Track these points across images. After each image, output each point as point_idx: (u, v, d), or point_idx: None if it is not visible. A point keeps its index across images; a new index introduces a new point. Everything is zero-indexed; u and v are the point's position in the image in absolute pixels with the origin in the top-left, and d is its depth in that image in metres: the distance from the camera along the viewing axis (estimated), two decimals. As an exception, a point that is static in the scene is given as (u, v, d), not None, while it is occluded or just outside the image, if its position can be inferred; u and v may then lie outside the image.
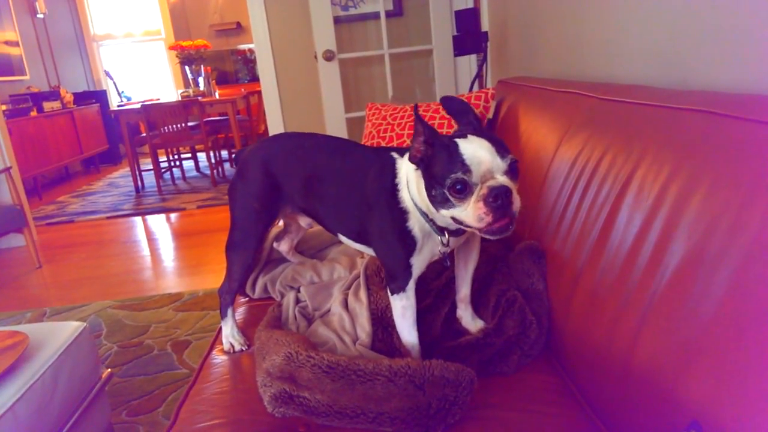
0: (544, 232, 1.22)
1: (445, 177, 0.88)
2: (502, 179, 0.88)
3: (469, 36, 2.82)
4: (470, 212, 0.88)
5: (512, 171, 0.89)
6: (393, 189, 1.04)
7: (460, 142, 0.90)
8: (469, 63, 3.60)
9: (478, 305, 1.21)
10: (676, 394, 0.71)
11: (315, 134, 1.28)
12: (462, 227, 0.94)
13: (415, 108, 0.94)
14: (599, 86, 1.31)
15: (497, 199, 0.85)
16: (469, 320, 1.20)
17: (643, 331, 0.80)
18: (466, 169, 0.87)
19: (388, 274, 1.10)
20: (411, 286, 1.07)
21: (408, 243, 1.03)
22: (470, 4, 3.39)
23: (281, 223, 1.57)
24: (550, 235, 1.19)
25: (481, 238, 1.17)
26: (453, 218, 0.92)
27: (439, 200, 0.91)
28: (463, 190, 0.87)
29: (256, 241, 1.32)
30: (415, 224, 1.03)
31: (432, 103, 2.14)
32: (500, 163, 0.88)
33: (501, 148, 0.90)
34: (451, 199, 0.89)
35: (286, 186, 1.25)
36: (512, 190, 0.87)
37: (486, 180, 0.87)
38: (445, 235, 1.01)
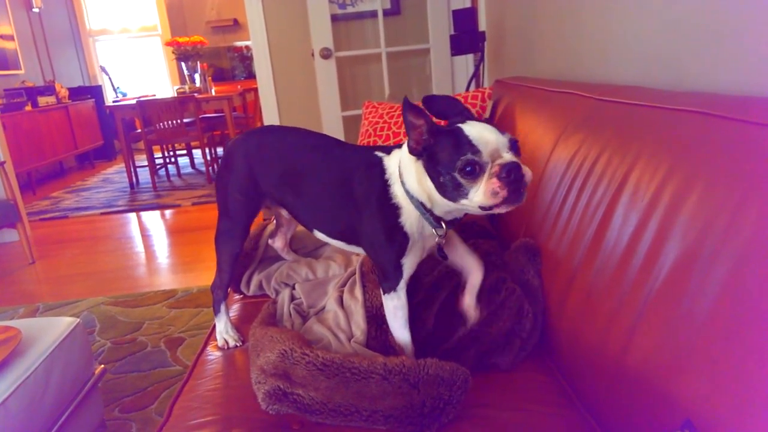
0: (540, 232, 1.23)
1: (455, 161, 0.89)
2: (509, 156, 0.90)
3: (466, 35, 2.82)
4: (482, 191, 0.88)
5: (515, 148, 0.92)
6: (383, 186, 1.04)
7: (463, 126, 0.92)
8: (466, 62, 3.60)
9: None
10: (669, 393, 0.72)
11: (298, 129, 1.27)
12: (469, 211, 0.94)
13: (405, 101, 0.94)
14: (596, 87, 1.32)
15: (510, 174, 0.87)
16: (473, 307, 1.14)
17: (638, 331, 0.80)
18: (475, 150, 0.88)
19: (379, 274, 1.10)
20: (402, 286, 1.07)
21: (399, 240, 1.03)
22: (468, 4, 3.39)
23: (274, 220, 1.56)
24: (546, 234, 1.19)
25: (480, 239, 1.17)
26: (464, 204, 0.93)
27: (450, 188, 0.92)
28: (473, 171, 0.89)
29: (241, 230, 1.32)
30: (407, 219, 1.03)
31: (429, 102, 2.14)
32: (504, 141, 0.91)
33: (500, 130, 0.93)
34: (462, 181, 0.89)
35: (262, 179, 1.25)
36: (521, 164, 0.89)
37: (495, 158, 0.89)
38: (441, 226, 1.02)
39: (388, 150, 1.09)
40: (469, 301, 1.19)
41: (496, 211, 0.91)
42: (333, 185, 1.14)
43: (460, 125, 0.93)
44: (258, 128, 1.37)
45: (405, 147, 1.01)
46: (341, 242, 1.19)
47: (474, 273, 1.18)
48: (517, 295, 1.13)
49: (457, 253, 1.18)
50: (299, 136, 1.25)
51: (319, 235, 1.23)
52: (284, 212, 1.42)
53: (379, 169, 1.06)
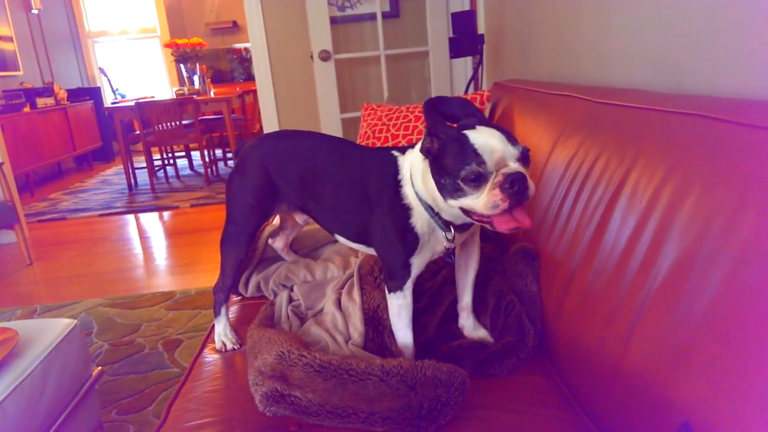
0: (538, 234, 1.23)
1: (459, 169, 0.87)
2: (515, 166, 0.88)
3: (465, 38, 2.82)
4: (484, 200, 0.87)
5: (524, 158, 0.89)
6: (396, 186, 1.04)
7: (469, 133, 0.90)
8: (464, 65, 3.61)
9: (475, 303, 1.21)
10: (667, 395, 0.72)
11: (314, 133, 1.27)
12: (472, 219, 0.93)
13: (425, 104, 0.94)
14: (594, 89, 1.32)
15: (513, 185, 0.85)
16: (472, 330, 1.18)
17: (636, 333, 0.80)
18: (480, 160, 0.86)
19: (386, 273, 1.10)
20: (409, 285, 1.07)
21: (410, 240, 1.03)
22: (466, 7, 3.40)
23: (277, 220, 1.56)
24: (544, 236, 1.19)
25: (480, 240, 1.17)
26: (462, 208, 0.91)
27: (448, 189, 0.90)
28: (477, 180, 0.87)
29: (248, 236, 1.31)
30: (418, 221, 1.02)
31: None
32: (512, 150, 0.88)
33: (510, 137, 0.90)
34: (465, 188, 0.88)
35: (282, 184, 1.24)
36: (527, 175, 0.87)
37: (500, 167, 0.87)
38: (450, 230, 1.01)
39: (404, 150, 1.08)
40: (462, 322, 1.20)
41: (498, 230, 0.89)
42: (349, 185, 1.13)
43: (466, 132, 0.90)
44: (272, 133, 1.36)
45: (417, 147, 1.00)
46: (362, 245, 1.18)
47: (464, 295, 1.18)
48: (517, 312, 1.13)
49: (460, 269, 1.17)
50: (315, 139, 1.25)
51: (341, 239, 1.22)
52: (298, 216, 1.42)
53: (394, 169, 1.05)
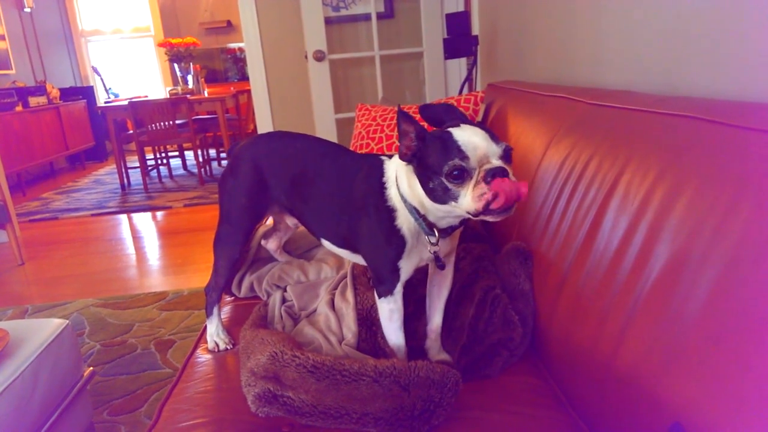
0: (531, 234, 1.23)
1: (442, 165, 0.88)
2: (498, 162, 0.88)
3: (459, 39, 2.83)
4: (469, 195, 0.88)
5: (507, 157, 0.90)
6: (380, 188, 1.04)
7: (454, 130, 0.91)
8: (459, 66, 3.62)
9: (462, 300, 1.21)
10: (659, 395, 0.72)
11: (307, 136, 1.27)
12: (464, 217, 0.92)
13: (399, 110, 0.94)
14: (587, 91, 1.32)
15: (495, 178, 0.86)
16: (436, 353, 1.16)
17: (628, 333, 0.80)
18: (463, 155, 0.87)
19: (375, 278, 1.09)
20: (399, 289, 1.06)
21: (397, 243, 1.03)
22: (461, 8, 3.40)
23: (270, 220, 1.56)
24: (537, 237, 1.20)
25: (455, 262, 1.16)
26: (454, 207, 0.91)
27: (439, 193, 0.91)
28: (460, 176, 0.88)
29: (242, 237, 1.31)
30: (404, 223, 1.02)
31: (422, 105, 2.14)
32: (495, 148, 0.89)
33: (493, 136, 0.91)
34: (450, 186, 0.89)
35: (274, 185, 1.24)
36: (509, 170, 0.88)
37: (483, 164, 0.88)
38: (434, 234, 1.01)
39: (392, 156, 1.08)
40: (429, 344, 1.17)
41: (488, 218, 0.90)
42: (337, 190, 1.13)
43: (450, 129, 0.92)
44: (266, 133, 1.35)
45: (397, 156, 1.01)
46: (347, 251, 1.18)
47: (434, 316, 1.16)
48: (504, 306, 1.13)
49: (432, 289, 1.16)
50: (309, 143, 1.24)
51: (327, 244, 1.22)
52: (289, 219, 1.41)
53: (379, 171, 1.05)
